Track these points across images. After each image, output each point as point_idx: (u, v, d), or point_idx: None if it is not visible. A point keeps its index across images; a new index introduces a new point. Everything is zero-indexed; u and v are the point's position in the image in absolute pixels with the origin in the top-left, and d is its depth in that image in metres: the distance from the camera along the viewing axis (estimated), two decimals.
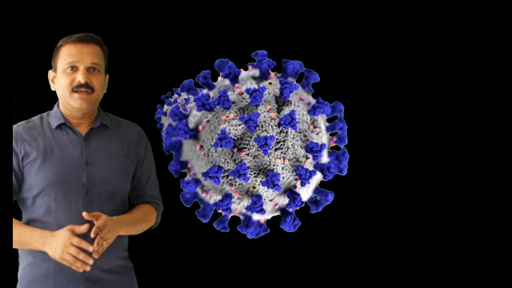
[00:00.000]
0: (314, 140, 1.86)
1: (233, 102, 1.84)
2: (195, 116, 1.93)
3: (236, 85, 1.88)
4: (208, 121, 1.86)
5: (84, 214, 1.67)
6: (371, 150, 2.31)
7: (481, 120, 2.40)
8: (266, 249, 2.34)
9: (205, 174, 1.77)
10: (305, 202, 1.95)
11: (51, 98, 1.95)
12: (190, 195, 1.93)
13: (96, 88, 1.81)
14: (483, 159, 2.38)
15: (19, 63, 3.28)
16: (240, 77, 1.92)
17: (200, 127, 1.87)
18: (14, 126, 1.86)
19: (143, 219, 1.89)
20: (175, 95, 3.98)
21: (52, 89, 1.88)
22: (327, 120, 1.95)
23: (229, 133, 1.76)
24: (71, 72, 1.79)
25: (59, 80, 1.82)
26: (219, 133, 1.72)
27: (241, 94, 1.86)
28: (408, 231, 2.36)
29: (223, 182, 1.84)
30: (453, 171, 2.37)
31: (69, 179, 1.77)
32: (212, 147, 1.80)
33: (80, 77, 1.78)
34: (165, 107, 4.02)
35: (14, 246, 1.77)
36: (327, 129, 1.93)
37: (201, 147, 1.86)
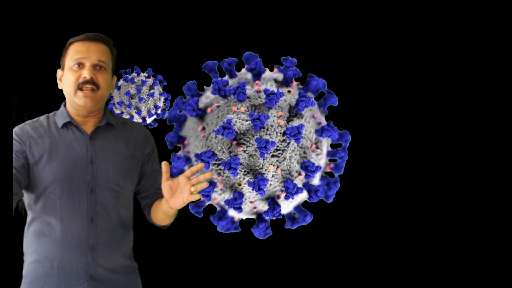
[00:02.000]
0: (312, 160, 1.86)
1: (248, 97, 1.84)
2: (207, 97, 1.93)
3: (257, 82, 1.88)
4: (218, 106, 1.86)
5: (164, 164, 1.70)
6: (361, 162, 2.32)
7: (479, 133, 2.42)
8: (268, 251, 2.39)
9: (197, 156, 1.77)
10: (283, 215, 1.95)
11: (58, 99, 1.99)
12: (177, 170, 1.93)
13: (102, 86, 1.82)
14: (482, 175, 2.39)
15: (23, 63, 3.34)
16: (263, 75, 1.92)
17: (209, 110, 1.87)
18: (21, 125, 1.87)
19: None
20: (134, 73, 4.00)
21: (59, 87, 1.90)
22: (331, 145, 1.95)
23: (234, 125, 1.76)
24: (78, 69, 1.81)
25: (66, 78, 1.83)
26: (225, 121, 1.73)
27: (258, 92, 1.86)
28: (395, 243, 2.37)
29: (212, 169, 1.84)
30: (446, 184, 2.39)
31: (74, 177, 1.78)
32: (214, 133, 1.80)
33: (85, 73, 1.79)
34: (120, 82, 4.02)
35: None
36: (328, 153, 1.93)
37: (203, 128, 1.86)
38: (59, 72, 1.89)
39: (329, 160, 1.94)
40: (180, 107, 1.94)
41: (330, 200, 1.91)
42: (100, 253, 1.78)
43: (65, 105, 1.89)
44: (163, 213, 1.83)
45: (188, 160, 1.89)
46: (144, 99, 3.77)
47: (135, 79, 3.77)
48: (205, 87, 1.96)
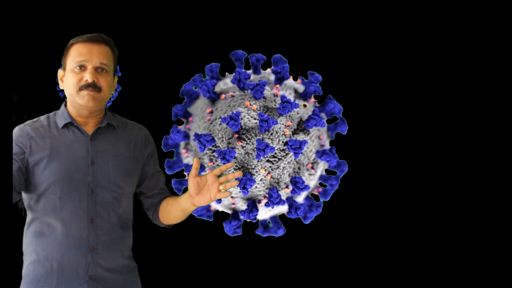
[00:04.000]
0: (303, 178, 1.86)
1: (264, 97, 1.84)
2: (225, 84, 1.94)
3: (277, 85, 1.88)
4: (233, 96, 1.86)
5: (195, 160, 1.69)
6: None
7: (480, 126, 2.43)
8: (267, 252, 2.40)
9: (197, 136, 1.77)
10: (258, 220, 1.95)
11: (59, 99, 1.99)
12: (172, 142, 1.94)
13: (104, 88, 1.81)
14: (483, 169, 2.40)
15: (23, 63, 3.36)
16: (285, 81, 1.92)
17: (223, 96, 1.87)
18: (21, 125, 1.86)
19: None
20: None
21: (61, 87, 1.90)
22: (326, 170, 1.94)
23: (241, 119, 1.76)
24: (79, 71, 1.80)
25: (67, 79, 1.83)
26: (234, 112, 1.73)
27: (275, 96, 1.86)
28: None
29: (206, 153, 1.84)
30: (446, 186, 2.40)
31: (75, 177, 1.77)
32: (220, 119, 1.80)
33: (87, 76, 1.78)
34: None
35: None
36: (321, 177, 1.93)
37: (211, 112, 1.86)
38: (60, 72, 1.88)
39: (320, 183, 1.94)
40: (196, 84, 1.94)
41: (307, 222, 1.91)
42: (100, 254, 1.78)
43: (65, 105, 1.88)
44: (181, 210, 1.82)
45: (186, 137, 1.89)
46: None
47: None
48: (226, 73, 1.96)
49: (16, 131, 1.85)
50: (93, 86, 1.77)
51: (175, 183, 1.93)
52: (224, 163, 1.72)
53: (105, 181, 1.79)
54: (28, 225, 1.83)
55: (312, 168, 1.88)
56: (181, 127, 1.95)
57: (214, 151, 1.82)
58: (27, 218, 1.84)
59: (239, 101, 1.82)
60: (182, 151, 1.93)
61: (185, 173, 1.88)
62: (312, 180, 1.91)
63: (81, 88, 1.78)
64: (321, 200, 1.93)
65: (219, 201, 1.80)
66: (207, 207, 1.92)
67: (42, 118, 1.90)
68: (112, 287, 1.81)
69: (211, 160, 1.84)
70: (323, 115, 1.91)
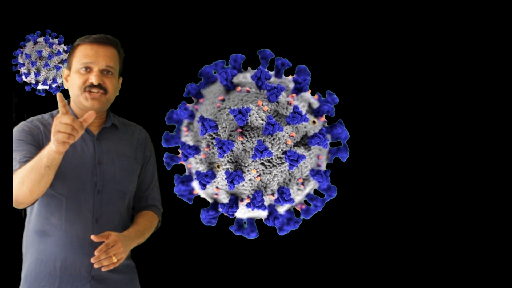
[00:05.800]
0: (291, 190, 1.86)
1: (277, 102, 1.84)
2: (245, 77, 1.94)
3: (294, 95, 1.89)
4: (248, 91, 1.86)
5: (93, 237, 1.66)
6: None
7: (480, 126, 2.44)
8: (265, 252, 2.42)
9: (201, 119, 1.78)
10: (235, 217, 1.95)
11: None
12: (177, 117, 1.94)
13: (109, 90, 1.81)
14: (483, 170, 2.41)
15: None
16: (302, 93, 1.92)
17: (238, 88, 1.87)
18: (29, 120, 1.85)
19: (149, 227, 1.92)
20: (56, 40, 3.93)
21: (65, 87, 1.89)
22: (314, 190, 1.94)
23: (250, 116, 1.76)
24: (85, 72, 1.79)
25: (73, 79, 1.82)
26: (245, 107, 1.73)
27: (289, 104, 1.86)
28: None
29: (205, 137, 1.84)
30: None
31: (82, 177, 1.76)
32: (228, 110, 1.80)
33: (93, 79, 1.78)
34: (40, 39, 3.95)
35: (32, 178, 1.62)
36: (308, 195, 1.93)
37: (223, 100, 1.86)
38: (65, 71, 1.87)
39: (305, 201, 1.94)
40: (217, 69, 1.94)
41: (282, 234, 1.91)
42: None
43: (69, 104, 1.86)
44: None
45: (191, 116, 1.90)
46: (49, 67, 3.72)
47: (54, 46, 3.72)
48: (249, 68, 1.96)
49: (27, 125, 1.82)
50: (98, 88, 1.76)
51: (167, 157, 1.93)
52: (219, 153, 1.72)
53: (111, 181, 1.79)
54: (30, 224, 1.80)
55: (302, 184, 1.88)
56: (190, 106, 1.95)
57: (214, 138, 1.82)
58: (27, 216, 1.81)
59: (253, 98, 1.82)
60: (183, 128, 1.94)
61: (180, 151, 1.88)
62: (298, 196, 1.91)
63: (86, 89, 1.77)
64: (301, 217, 1.92)
65: (203, 187, 1.80)
66: (191, 190, 1.92)
67: (46, 116, 1.88)
68: (113, 287, 1.80)
69: (208, 146, 1.84)
70: (328, 136, 1.91)
